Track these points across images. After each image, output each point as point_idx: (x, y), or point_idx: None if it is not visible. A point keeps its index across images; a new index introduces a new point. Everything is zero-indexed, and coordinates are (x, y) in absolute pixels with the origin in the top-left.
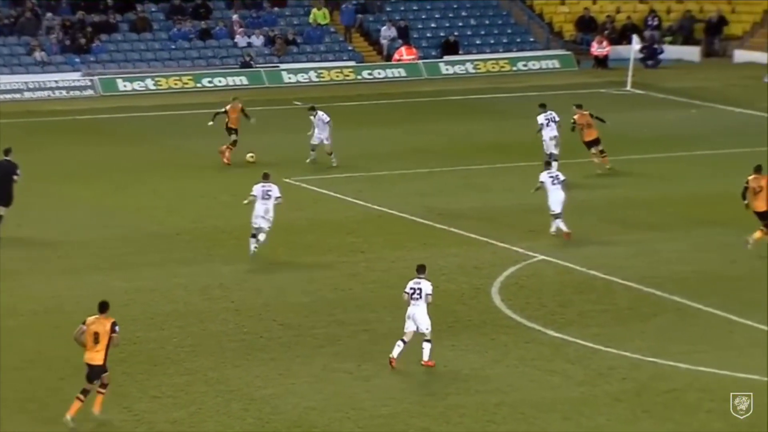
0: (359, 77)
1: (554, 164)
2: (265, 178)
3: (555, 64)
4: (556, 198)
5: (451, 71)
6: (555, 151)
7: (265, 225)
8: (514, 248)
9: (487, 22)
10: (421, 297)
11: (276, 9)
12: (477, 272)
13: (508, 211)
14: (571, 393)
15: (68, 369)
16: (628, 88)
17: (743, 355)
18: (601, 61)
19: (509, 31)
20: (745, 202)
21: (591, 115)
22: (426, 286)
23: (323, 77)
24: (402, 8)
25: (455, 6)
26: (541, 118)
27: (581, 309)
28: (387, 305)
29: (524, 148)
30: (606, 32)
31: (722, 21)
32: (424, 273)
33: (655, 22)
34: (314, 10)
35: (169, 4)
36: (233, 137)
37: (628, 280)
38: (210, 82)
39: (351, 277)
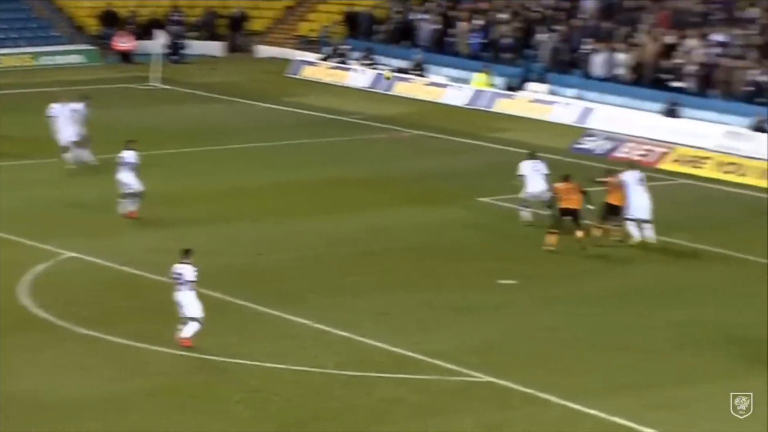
0: None
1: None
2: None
3: (80, 59)
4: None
5: None
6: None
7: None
8: (44, 246)
9: (7, 16)
10: (184, 283)
11: None
12: (2, 272)
13: (40, 207)
14: (104, 391)
15: None
16: (154, 83)
17: (272, 345)
18: (126, 56)
19: (33, 25)
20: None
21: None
22: (188, 272)
23: None
24: None
25: None
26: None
27: (113, 305)
28: None
29: (52, 145)
30: (129, 27)
31: (244, 17)
32: (188, 258)
33: (179, 17)
34: None
35: None
36: None
37: (160, 275)
38: None
39: None
